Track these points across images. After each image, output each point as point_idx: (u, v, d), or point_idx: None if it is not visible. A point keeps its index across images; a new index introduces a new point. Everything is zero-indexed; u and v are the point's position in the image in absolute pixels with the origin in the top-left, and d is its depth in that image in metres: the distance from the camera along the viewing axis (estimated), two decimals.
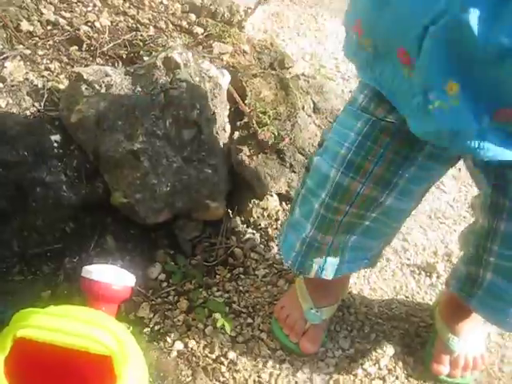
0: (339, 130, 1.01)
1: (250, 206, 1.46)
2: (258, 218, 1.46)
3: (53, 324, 0.83)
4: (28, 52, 1.56)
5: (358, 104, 0.97)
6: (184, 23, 1.85)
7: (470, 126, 0.73)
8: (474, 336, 1.24)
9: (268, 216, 1.46)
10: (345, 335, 1.29)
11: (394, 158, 0.95)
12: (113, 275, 1.01)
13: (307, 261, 1.11)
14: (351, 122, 0.97)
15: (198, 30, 1.84)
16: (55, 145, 1.32)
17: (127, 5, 1.85)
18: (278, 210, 1.50)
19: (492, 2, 0.63)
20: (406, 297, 1.40)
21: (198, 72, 1.36)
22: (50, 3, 1.75)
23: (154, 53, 1.54)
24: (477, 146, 0.74)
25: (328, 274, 1.12)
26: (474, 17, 0.64)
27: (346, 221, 1.03)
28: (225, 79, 1.43)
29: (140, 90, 1.32)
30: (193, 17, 1.94)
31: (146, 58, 1.55)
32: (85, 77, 1.33)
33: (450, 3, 0.65)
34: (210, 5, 1.96)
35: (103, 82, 1.33)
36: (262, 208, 1.46)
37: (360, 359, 1.25)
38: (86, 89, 1.32)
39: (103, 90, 1.32)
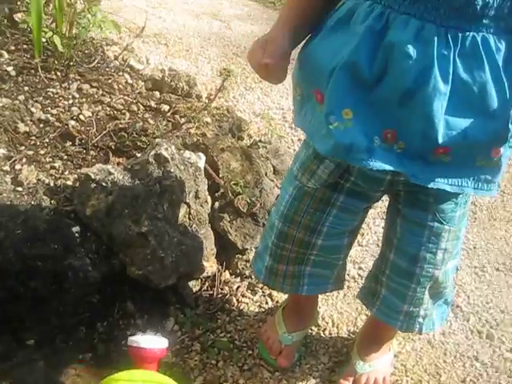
0: (282, 191, 1.42)
1: (236, 260, 1.83)
2: (243, 268, 1.81)
3: None
4: (31, 152, 1.86)
5: (292, 172, 1.35)
6: (152, 103, 2.18)
7: (360, 142, 1.01)
8: (379, 362, 1.54)
9: (250, 266, 1.81)
10: (323, 352, 1.66)
11: (315, 213, 1.32)
12: (153, 341, 1.34)
13: (271, 280, 1.49)
14: (287, 187, 1.36)
15: (165, 107, 2.17)
16: (76, 235, 1.63)
17: (100, 92, 2.17)
18: None
19: (371, 47, 0.98)
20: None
21: (182, 161, 1.71)
22: (36, 101, 2.05)
23: (138, 143, 1.88)
24: (366, 158, 1.01)
25: (288, 290, 1.52)
26: (362, 58, 0.98)
27: (292, 256, 1.41)
28: (202, 161, 1.78)
29: (139, 182, 1.65)
30: (157, 94, 2.27)
31: (132, 148, 1.89)
32: (92, 177, 1.65)
33: (348, 54, 0.99)
34: (171, 81, 2.29)
35: (108, 179, 1.65)
36: (245, 261, 1.82)
37: (337, 369, 1.62)
38: (94, 187, 1.65)
39: (109, 186, 1.65)
